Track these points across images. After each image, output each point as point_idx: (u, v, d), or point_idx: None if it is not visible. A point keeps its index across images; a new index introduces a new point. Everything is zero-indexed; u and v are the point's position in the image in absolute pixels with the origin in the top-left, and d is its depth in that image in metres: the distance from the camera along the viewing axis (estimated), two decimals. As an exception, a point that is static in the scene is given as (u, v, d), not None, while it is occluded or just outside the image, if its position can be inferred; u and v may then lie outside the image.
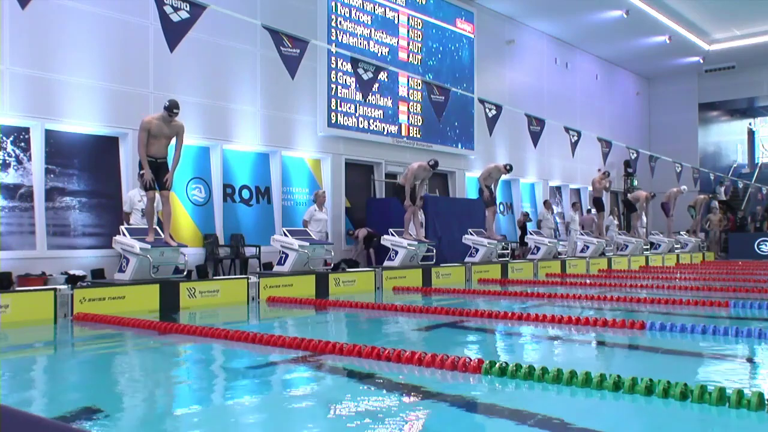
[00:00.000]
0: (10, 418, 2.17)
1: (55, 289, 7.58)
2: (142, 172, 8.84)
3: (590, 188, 23.50)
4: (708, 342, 5.94)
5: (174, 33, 8.22)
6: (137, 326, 6.86)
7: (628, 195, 21.04)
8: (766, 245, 21.78)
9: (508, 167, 14.11)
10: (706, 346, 5.81)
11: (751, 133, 33.37)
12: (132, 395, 4.40)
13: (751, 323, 6.96)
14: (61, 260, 10.09)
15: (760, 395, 3.54)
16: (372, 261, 13.79)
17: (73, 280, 9.48)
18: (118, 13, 10.95)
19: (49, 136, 10.28)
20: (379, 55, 15.21)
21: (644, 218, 20.22)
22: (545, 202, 19.25)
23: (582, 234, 18.10)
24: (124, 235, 8.86)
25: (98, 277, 10.07)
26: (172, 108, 8.59)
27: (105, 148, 11.06)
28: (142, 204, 9.78)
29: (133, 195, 10.04)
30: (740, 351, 5.73)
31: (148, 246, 8.65)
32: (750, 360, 5.42)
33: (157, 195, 8.83)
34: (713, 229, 24.11)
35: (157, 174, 8.73)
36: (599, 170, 18.80)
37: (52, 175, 10.33)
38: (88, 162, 10.80)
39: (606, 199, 24.25)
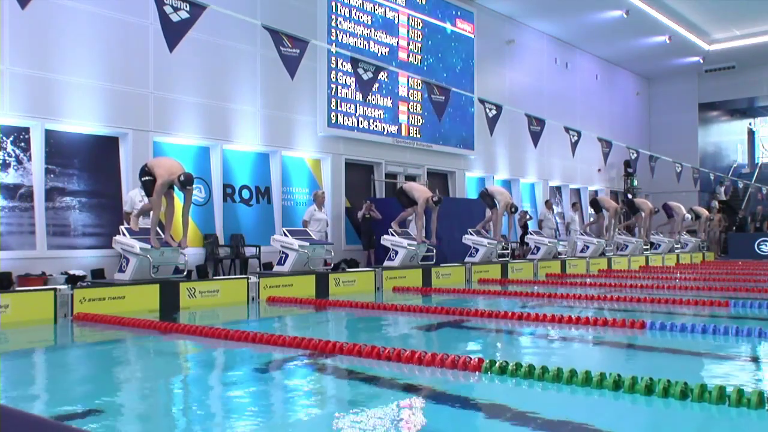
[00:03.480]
0: (10, 418, 2.17)
1: (55, 289, 7.57)
2: (145, 179, 8.84)
3: (590, 188, 23.54)
4: (708, 341, 5.94)
5: (174, 33, 8.21)
6: (137, 326, 6.86)
7: (634, 199, 21.01)
8: (766, 245, 21.77)
9: (513, 209, 14.15)
10: (706, 346, 5.81)
11: (751, 133, 33.36)
12: (132, 395, 4.40)
13: (751, 323, 6.96)
14: (61, 260, 10.09)
15: (760, 394, 3.54)
16: (372, 261, 13.79)
17: (73, 280, 9.49)
18: (118, 13, 10.95)
19: (49, 136, 10.28)
20: (379, 55, 15.21)
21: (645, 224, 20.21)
22: (546, 202, 19.25)
23: (582, 234, 18.10)
24: (124, 235, 8.86)
25: (98, 277, 10.07)
26: (185, 184, 8.76)
27: (105, 148, 11.06)
28: (143, 204, 9.77)
29: (134, 195, 10.01)
30: (740, 350, 5.73)
31: (149, 246, 8.66)
32: (750, 359, 5.42)
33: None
34: (713, 229, 24.10)
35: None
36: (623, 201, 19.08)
37: (52, 175, 10.33)
38: (88, 162, 10.80)
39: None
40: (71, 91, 10.39)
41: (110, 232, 10.02)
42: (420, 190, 12.56)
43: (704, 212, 22.62)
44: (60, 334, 7.00)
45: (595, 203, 18.24)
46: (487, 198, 14.18)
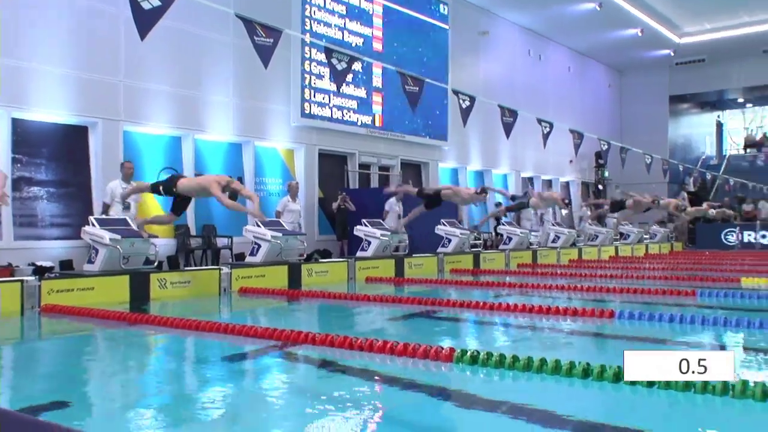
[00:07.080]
0: (9, 419, 2.15)
1: (21, 281, 7.44)
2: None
3: (561, 179, 23.73)
4: (675, 330, 6.05)
5: (145, 21, 8.07)
6: (107, 318, 6.77)
7: (622, 193, 21.00)
8: (732, 235, 22.18)
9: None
10: (673, 334, 5.92)
11: (719, 126, 33.91)
12: (101, 387, 4.36)
13: (717, 311, 7.10)
14: (29, 251, 9.92)
15: (725, 382, 3.62)
16: (345, 251, 13.78)
17: (40, 272, 9.33)
18: (88, 0, 10.74)
19: (16, 124, 10.08)
20: (353, 45, 15.15)
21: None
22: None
23: (554, 225, 18.25)
24: (93, 225, 8.72)
25: (67, 268, 9.91)
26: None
27: (74, 137, 10.87)
28: (138, 184, 9.70)
29: (114, 186, 9.79)
30: (706, 338, 5.85)
31: (118, 236, 8.54)
32: (715, 347, 5.53)
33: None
34: (681, 220, 24.44)
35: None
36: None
37: (19, 165, 10.14)
38: (56, 151, 10.62)
39: (577, 189, 24.57)
40: (39, 79, 10.17)
41: (79, 223, 9.86)
42: (463, 194, 13.27)
43: (671, 201, 22.87)
44: (27, 326, 6.90)
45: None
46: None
